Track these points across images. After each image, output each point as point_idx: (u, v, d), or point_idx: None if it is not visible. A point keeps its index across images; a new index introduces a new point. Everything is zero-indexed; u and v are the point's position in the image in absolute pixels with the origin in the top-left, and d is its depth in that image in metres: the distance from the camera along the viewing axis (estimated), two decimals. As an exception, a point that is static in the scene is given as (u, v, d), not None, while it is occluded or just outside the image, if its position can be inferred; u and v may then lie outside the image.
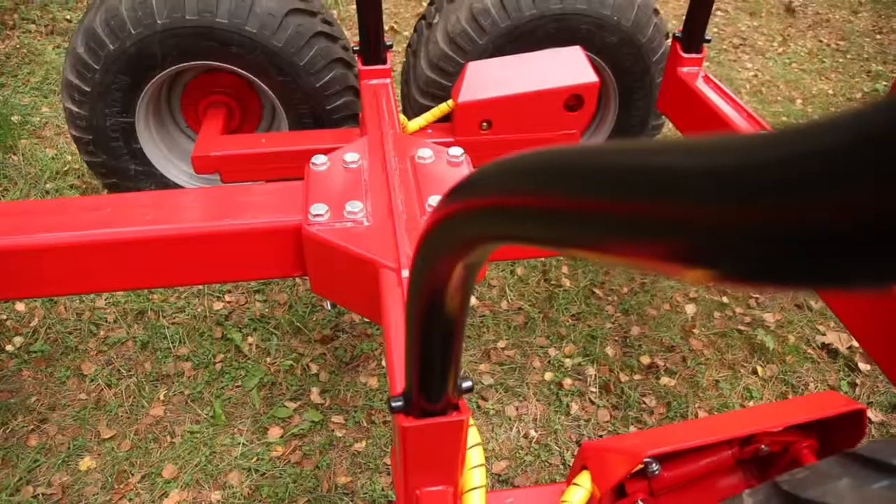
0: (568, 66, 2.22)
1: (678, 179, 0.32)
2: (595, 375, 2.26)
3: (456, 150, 1.70)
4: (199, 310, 2.42)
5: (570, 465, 1.96)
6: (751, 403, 2.18)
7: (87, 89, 2.21)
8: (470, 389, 0.98)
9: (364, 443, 2.01)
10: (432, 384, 0.92)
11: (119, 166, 2.42)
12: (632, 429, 2.08)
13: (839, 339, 2.38)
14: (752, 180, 0.28)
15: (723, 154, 0.30)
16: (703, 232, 0.31)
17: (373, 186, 1.58)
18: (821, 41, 4.86)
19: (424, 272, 0.74)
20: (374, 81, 2.14)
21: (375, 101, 2.03)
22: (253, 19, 2.16)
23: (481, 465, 1.14)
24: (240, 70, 2.26)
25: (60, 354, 2.24)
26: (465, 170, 1.66)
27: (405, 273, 1.34)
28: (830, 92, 4.17)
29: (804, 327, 2.46)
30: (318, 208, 1.46)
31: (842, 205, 0.24)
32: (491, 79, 2.18)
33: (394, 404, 0.96)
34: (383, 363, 2.27)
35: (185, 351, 2.26)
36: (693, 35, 2.25)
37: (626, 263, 0.40)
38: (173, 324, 2.36)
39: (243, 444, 1.99)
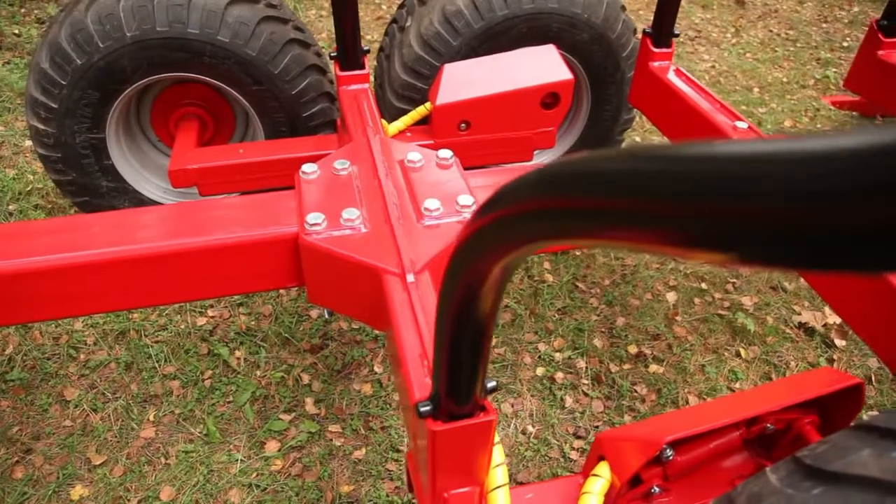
0: (543, 65, 2.25)
1: (729, 182, 0.35)
2: (586, 367, 2.29)
3: (445, 153, 1.70)
4: (182, 327, 2.36)
5: (570, 457, 1.99)
6: (737, 385, 2.25)
7: (54, 106, 2.14)
8: (495, 389, 0.99)
9: (364, 450, 2.00)
10: (461, 387, 0.93)
11: (90, 184, 2.35)
12: (626, 418, 2.12)
13: (814, 317, 2.48)
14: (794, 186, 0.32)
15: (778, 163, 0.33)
16: (739, 227, 0.35)
17: (366, 192, 1.58)
18: (771, 31, 5.03)
19: (462, 275, 0.74)
20: (352, 87, 2.13)
21: (357, 107, 2.02)
22: (225, 29, 2.12)
23: (503, 463, 1.15)
24: (213, 81, 2.22)
25: (40, 381, 2.16)
26: (456, 171, 1.67)
27: (410, 278, 1.34)
28: (785, 80, 4.32)
29: (780, 308, 2.55)
30: (315, 217, 1.45)
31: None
32: (467, 80, 2.19)
33: (422, 409, 0.96)
34: (376, 369, 2.26)
35: (171, 369, 2.21)
36: (663, 30, 2.30)
37: (658, 252, 0.44)
38: (156, 342, 2.30)
39: (241, 460, 1.96)
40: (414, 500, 1.88)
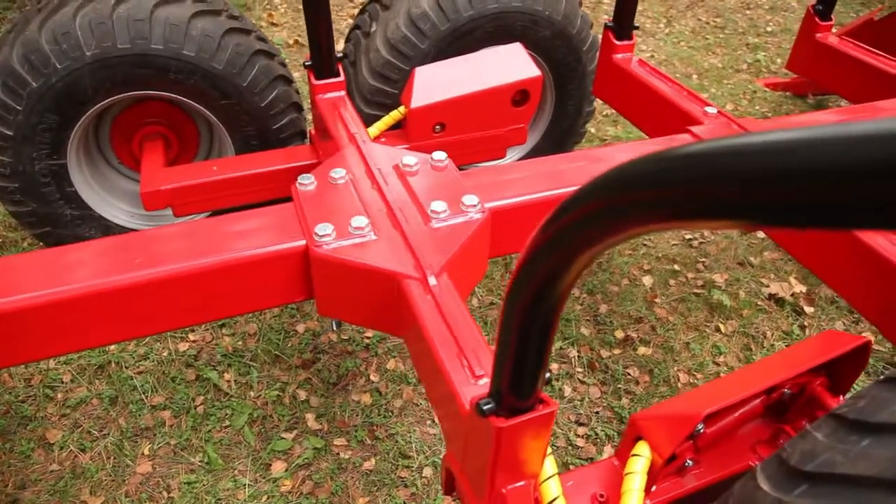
0: (511, 63, 2.28)
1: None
2: (578, 356, 2.34)
3: (440, 155, 1.71)
4: (164, 354, 2.27)
5: (577, 444, 2.03)
6: (721, 359, 2.35)
7: (10, 133, 2.02)
8: (549, 381, 1.01)
9: (373, 460, 1.98)
10: (525, 381, 0.94)
11: (52, 213, 2.22)
12: (624, 401, 2.18)
13: (781, 288, 2.61)
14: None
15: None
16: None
17: (367, 200, 1.56)
18: (700, 20, 5.27)
19: (542, 268, 0.75)
20: (329, 95, 2.10)
21: (338, 115, 1.99)
22: (190, 43, 2.05)
23: (550, 453, 1.16)
24: (180, 98, 2.14)
25: (17, 426, 2.03)
26: (452, 172, 1.68)
27: (433, 280, 1.34)
28: (720, 65, 4.54)
29: (750, 282, 2.67)
30: (324, 228, 1.42)
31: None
32: (440, 82, 2.20)
33: (485, 407, 0.96)
34: (372, 378, 2.24)
35: (159, 399, 2.12)
36: (624, 23, 2.38)
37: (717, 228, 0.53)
38: (139, 373, 2.21)
39: (248, 484, 1.90)
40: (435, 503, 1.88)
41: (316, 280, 1.46)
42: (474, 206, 1.53)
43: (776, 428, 1.43)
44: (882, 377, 1.09)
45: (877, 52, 2.60)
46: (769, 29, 5.15)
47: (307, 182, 1.59)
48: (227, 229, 1.50)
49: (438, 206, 1.51)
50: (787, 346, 2.41)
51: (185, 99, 2.15)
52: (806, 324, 2.49)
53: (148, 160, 2.21)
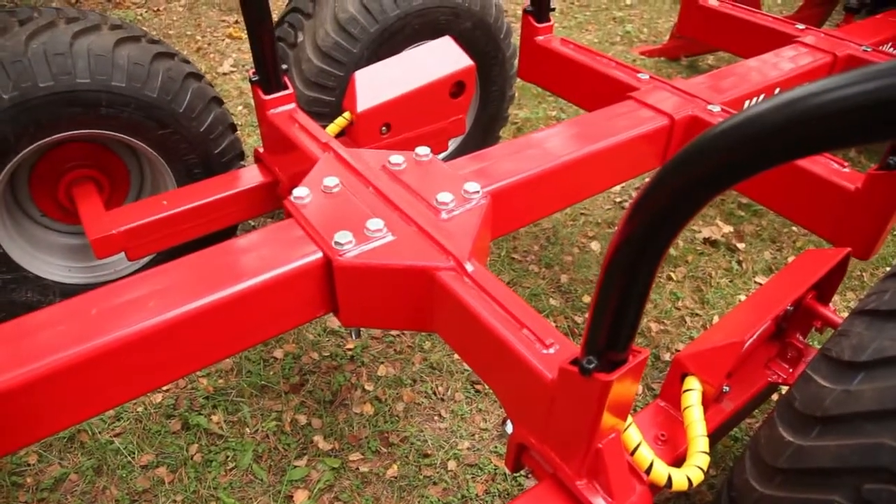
0: (445, 56, 2.33)
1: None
2: (556, 325, 2.44)
3: (423, 149, 1.72)
4: (138, 410, 2.10)
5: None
6: (680, 304, 2.54)
7: (-78, 199, 1.78)
8: None
9: (395, 466, 1.96)
10: (624, 333, 0.99)
11: (-20, 282, 1.98)
12: (610, 357, 2.31)
13: (712, 231, 2.87)
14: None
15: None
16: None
17: (370, 203, 1.55)
18: (564, 1, 5.59)
19: (652, 221, 0.80)
20: (281, 109, 2.04)
21: (299, 126, 1.94)
22: (118, 73, 1.91)
23: (623, 404, 1.22)
24: (113, 133, 1.99)
25: (-10, 524, 1.81)
26: (439, 164, 1.70)
27: (469, 267, 1.36)
28: (597, 41, 4.85)
29: (684, 231, 2.91)
30: (344, 236, 1.40)
31: None
32: (381, 83, 2.20)
33: (589, 366, 1.01)
34: (367, 388, 2.20)
35: (149, 458, 1.97)
36: (542, 6, 2.50)
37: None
38: (116, 436, 2.03)
39: (275, 520, 1.82)
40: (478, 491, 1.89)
41: (340, 290, 1.43)
42: (477, 192, 1.56)
43: (781, 343, 1.59)
44: (890, 271, 1.25)
45: (751, 9, 2.92)
46: (628, 2, 5.56)
47: (304, 195, 1.54)
48: (232, 258, 1.43)
49: (445, 196, 1.52)
50: (730, 281, 2.66)
51: (119, 135, 2.00)
52: (741, 258, 2.75)
53: (86, 206, 2.03)
